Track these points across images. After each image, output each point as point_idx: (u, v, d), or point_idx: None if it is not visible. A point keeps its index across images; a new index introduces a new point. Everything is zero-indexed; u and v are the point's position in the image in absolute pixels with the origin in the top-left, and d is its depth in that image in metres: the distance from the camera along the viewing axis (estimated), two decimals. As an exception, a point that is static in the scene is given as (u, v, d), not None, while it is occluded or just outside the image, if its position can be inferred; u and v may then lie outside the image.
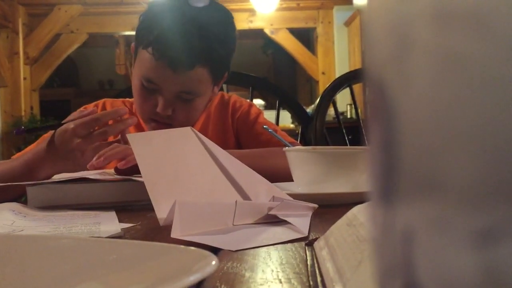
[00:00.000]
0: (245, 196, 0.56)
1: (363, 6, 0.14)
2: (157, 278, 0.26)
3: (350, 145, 1.37)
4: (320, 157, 0.73)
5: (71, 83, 7.43)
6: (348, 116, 4.62)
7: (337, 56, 5.39)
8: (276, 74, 7.34)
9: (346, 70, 4.51)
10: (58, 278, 0.29)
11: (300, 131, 1.48)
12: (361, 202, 0.38)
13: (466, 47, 0.11)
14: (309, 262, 0.35)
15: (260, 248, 0.41)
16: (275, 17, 5.31)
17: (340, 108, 2.78)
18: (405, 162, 0.12)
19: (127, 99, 1.22)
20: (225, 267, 0.34)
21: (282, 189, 0.63)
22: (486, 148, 0.11)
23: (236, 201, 0.50)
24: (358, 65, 4.72)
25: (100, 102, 1.19)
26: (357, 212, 0.35)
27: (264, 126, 0.94)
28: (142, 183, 0.53)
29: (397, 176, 0.13)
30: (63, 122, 0.89)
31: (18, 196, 0.84)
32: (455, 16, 0.11)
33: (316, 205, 0.59)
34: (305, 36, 5.85)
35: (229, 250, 0.39)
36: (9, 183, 0.74)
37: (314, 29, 5.53)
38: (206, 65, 0.98)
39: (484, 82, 0.11)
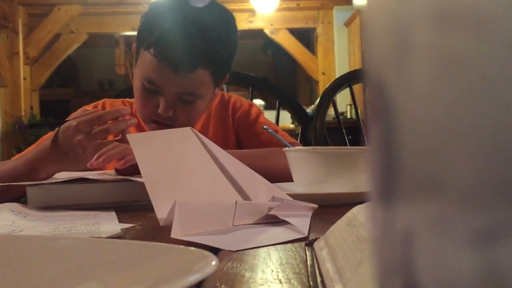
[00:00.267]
0: (245, 196, 0.56)
1: (363, 6, 0.14)
2: (157, 278, 0.26)
3: (350, 145, 1.37)
4: (320, 157, 0.73)
5: (71, 83, 7.43)
6: (348, 116, 4.62)
7: (337, 56, 5.39)
8: (276, 74, 7.34)
9: (346, 70, 4.52)
10: (58, 278, 0.29)
11: (300, 131, 1.48)
12: (361, 202, 0.38)
13: (466, 47, 0.11)
14: (309, 262, 0.35)
15: (260, 248, 0.41)
16: (275, 17, 5.31)
17: (340, 108, 2.78)
18: (405, 162, 0.12)
19: (127, 99, 1.22)
20: (225, 267, 0.34)
21: (282, 189, 0.63)
22: (486, 148, 0.11)
23: (236, 201, 0.50)
24: (358, 65, 4.72)
25: (100, 102, 1.19)
26: (357, 212, 0.35)
27: (264, 127, 0.94)
28: (142, 183, 0.53)
29: (397, 176, 0.13)
30: (66, 120, 0.89)
31: (19, 196, 0.84)
32: (455, 16, 0.11)
33: (316, 205, 0.59)
34: (305, 36, 5.85)
35: (229, 250, 0.39)
36: (10, 183, 0.74)
37: (314, 29, 5.53)
38: (207, 67, 0.98)
39: (484, 82, 0.11)
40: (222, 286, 0.30)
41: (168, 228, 0.45)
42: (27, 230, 0.51)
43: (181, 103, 1.01)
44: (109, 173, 0.83)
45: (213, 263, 0.26)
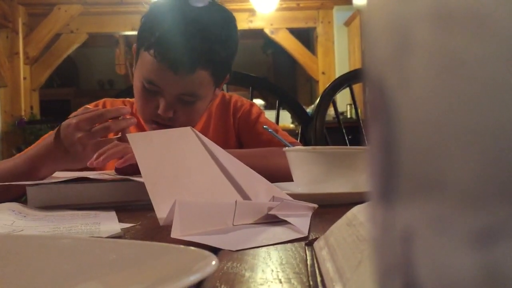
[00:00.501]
0: (245, 196, 0.56)
1: (363, 6, 0.14)
2: (157, 278, 0.26)
3: (350, 145, 1.37)
4: (320, 157, 0.73)
5: (71, 83, 7.42)
6: (348, 116, 4.62)
7: (337, 56, 5.39)
8: (276, 74, 7.34)
9: (346, 70, 4.52)
10: (58, 278, 0.29)
11: (300, 131, 1.48)
12: (361, 202, 0.38)
13: (466, 47, 0.11)
14: (309, 262, 0.35)
15: (260, 248, 0.41)
16: (275, 17, 5.31)
17: (340, 108, 2.78)
18: (405, 162, 0.12)
19: (127, 99, 1.22)
20: (225, 267, 0.34)
21: (282, 189, 0.63)
22: (486, 148, 0.11)
23: (236, 201, 0.50)
24: (358, 65, 4.72)
25: (101, 102, 1.19)
26: (357, 212, 0.35)
27: (264, 126, 0.94)
28: (142, 183, 0.53)
29: (397, 176, 0.13)
30: (67, 117, 0.89)
31: (20, 195, 0.84)
32: (455, 16, 0.11)
33: (316, 205, 0.59)
34: (305, 36, 5.85)
35: (229, 250, 0.39)
36: (10, 183, 0.74)
37: (314, 29, 5.53)
38: (207, 68, 0.98)
39: (484, 82, 0.11)
40: (222, 286, 0.30)
41: (168, 227, 0.45)
42: (27, 230, 0.51)
43: (181, 104, 1.01)
44: (109, 173, 0.83)
45: (213, 263, 0.26)
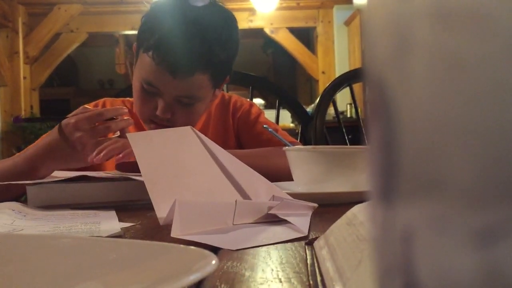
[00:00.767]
0: (245, 196, 0.56)
1: (363, 6, 0.14)
2: (157, 277, 0.26)
3: (350, 145, 1.37)
4: (320, 157, 0.73)
5: (71, 83, 7.42)
6: (348, 116, 4.62)
7: (337, 55, 5.39)
8: (276, 73, 7.34)
9: (346, 69, 4.51)
10: (58, 278, 0.29)
11: (300, 131, 1.48)
12: (361, 202, 0.38)
13: (466, 47, 0.11)
14: (309, 262, 0.35)
15: (260, 247, 0.41)
16: (275, 17, 5.31)
17: (340, 108, 2.78)
18: (405, 162, 0.12)
19: (127, 98, 1.22)
20: (225, 267, 0.34)
21: (282, 188, 0.63)
22: (486, 148, 0.11)
23: (236, 201, 0.50)
24: (358, 65, 4.72)
25: (100, 101, 1.19)
26: (357, 212, 0.35)
27: (264, 126, 0.94)
28: (142, 182, 0.53)
29: (397, 176, 0.13)
30: (66, 116, 0.89)
31: (20, 195, 0.84)
32: (455, 16, 0.11)
33: (316, 205, 0.59)
34: (305, 36, 5.85)
35: (229, 250, 0.39)
36: (10, 183, 0.74)
37: (314, 28, 5.53)
38: (206, 71, 0.98)
39: (484, 82, 0.11)
40: (222, 285, 0.30)
41: (168, 227, 0.45)
42: (27, 229, 0.51)
43: (180, 106, 1.01)
44: (109, 172, 0.83)
45: (213, 262, 0.26)
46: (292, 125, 4.48)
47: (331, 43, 5.41)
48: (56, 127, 0.88)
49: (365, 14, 0.14)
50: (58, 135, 0.87)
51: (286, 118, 4.21)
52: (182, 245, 0.31)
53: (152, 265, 0.29)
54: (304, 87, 7.07)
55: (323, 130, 1.42)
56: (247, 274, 0.32)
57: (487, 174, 0.11)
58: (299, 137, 1.46)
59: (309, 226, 0.49)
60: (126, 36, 6.06)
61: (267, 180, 0.61)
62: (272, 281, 0.30)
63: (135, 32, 1.06)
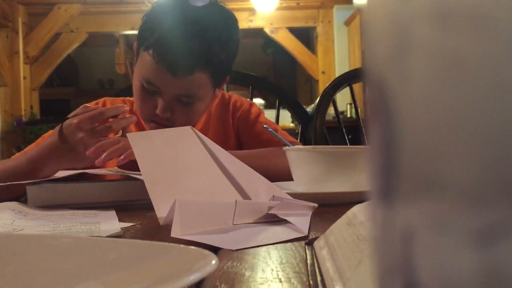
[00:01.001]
0: (245, 196, 0.56)
1: (363, 6, 0.14)
2: (157, 277, 0.26)
3: (350, 145, 1.37)
4: (320, 157, 0.73)
5: (71, 83, 7.42)
6: (348, 116, 4.62)
7: (337, 55, 5.39)
8: (276, 73, 7.34)
9: (346, 69, 4.51)
10: (58, 278, 0.29)
11: (300, 131, 1.48)
12: (361, 202, 0.38)
13: (466, 47, 0.11)
14: (309, 262, 0.35)
15: (260, 247, 0.41)
16: (275, 17, 5.30)
17: (340, 108, 2.78)
18: (405, 162, 0.12)
19: (128, 98, 1.22)
20: (225, 267, 0.34)
21: (282, 188, 0.63)
22: (486, 147, 0.11)
23: (236, 201, 0.50)
24: (358, 65, 4.72)
25: (101, 101, 1.19)
26: (357, 212, 0.35)
27: (264, 126, 0.94)
28: (142, 182, 0.53)
29: (397, 176, 0.13)
30: (67, 117, 0.89)
31: (20, 195, 0.84)
32: (455, 16, 0.11)
33: (316, 204, 0.59)
34: (305, 36, 5.84)
35: (229, 250, 0.39)
36: (10, 183, 0.74)
37: (314, 28, 5.53)
38: (206, 70, 0.98)
39: (484, 82, 0.11)
40: (222, 285, 0.30)
41: (168, 227, 0.45)
42: (27, 229, 0.51)
43: (180, 105, 1.01)
44: (110, 170, 0.83)
45: (213, 262, 0.26)
46: (292, 125, 4.48)
47: (331, 43, 5.41)
48: (58, 127, 0.88)
49: (365, 14, 0.14)
50: (62, 135, 0.87)
51: (286, 118, 4.20)
52: (182, 245, 0.31)
53: (152, 265, 0.29)
54: (304, 87, 7.07)
55: (323, 130, 1.42)
56: (247, 274, 0.32)
57: (487, 174, 0.11)
58: (299, 137, 1.46)
59: (309, 226, 0.49)
60: (126, 36, 6.06)
61: (267, 180, 0.61)
62: (272, 281, 0.30)
63: (135, 32, 1.06)
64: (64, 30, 5.32)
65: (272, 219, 0.52)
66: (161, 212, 0.48)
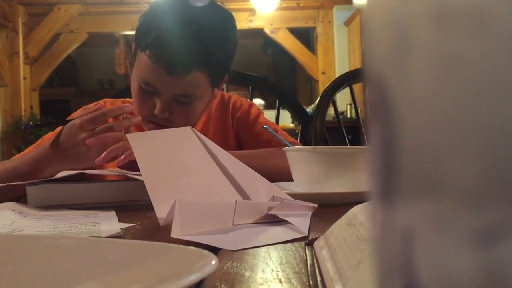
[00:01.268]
0: (245, 196, 0.56)
1: (363, 6, 0.14)
2: (157, 278, 0.26)
3: (350, 145, 1.37)
4: (320, 157, 0.73)
5: (71, 83, 7.43)
6: (348, 116, 4.62)
7: (337, 55, 5.39)
8: (276, 73, 7.34)
9: (346, 69, 4.51)
10: (58, 278, 0.29)
11: (300, 131, 1.48)
12: (361, 202, 0.38)
13: (466, 47, 0.11)
14: (309, 262, 0.35)
15: (260, 247, 0.41)
16: (275, 17, 5.31)
17: (340, 108, 2.78)
18: (405, 162, 0.12)
19: (127, 99, 1.22)
20: (225, 267, 0.34)
21: (282, 188, 0.63)
22: (487, 147, 0.11)
23: (236, 201, 0.50)
24: (358, 65, 4.72)
25: (101, 102, 1.19)
26: (357, 212, 0.35)
27: (264, 126, 0.94)
28: (142, 183, 0.53)
29: (397, 176, 0.13)
30: (68, 118, 0.89)
31: (21, 195, 0.84)
32: (455, 16, 0.11)
33: (316, 205, 0.59)
34: (305, 36, 5.85)
35: (229, 250, 0.39)
36: (10, 183, 0.74)
37: (314, 28, 5.53)
38: (203, 69, 0.98)
39: (484, 82, 0.11)
40: (222, 286, 0.30)
41: (168, 227, 0.45)
42: (27, 229, 0.51)
43: (178, 105, 1.00)
44: (112, 170, 0.83)
45: (213, 262, 0.26)
46: (292, 125, 4.48)
47: (331, 43, 5.41)
48: (59, 129, 0.89)
49: (365, 14, 0.14)
50: (63, 137, 0.87)
51: (286, 119, 4.20)
52: (182, 246, 0.31)
53: (152, 265, 0.29)
54: (304, 88, 7.07)
55: (323, 131, 1.42)
56: (247, 274, 0.32)
57: (487, 174, 0.11)
58: (299, 138, 1.46)
59: (309, 227, 0.49)
60: (126, 36, 6.06)
61: (267, 181, 0.61)
62: (272, 282, 0.30)
63: (135, 32, 1.06)
64: (64, 31, 5.32)
65: (272, 220, 0.52)
66: (161, 212, 0.48)
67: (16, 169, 0.89)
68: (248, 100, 1.29)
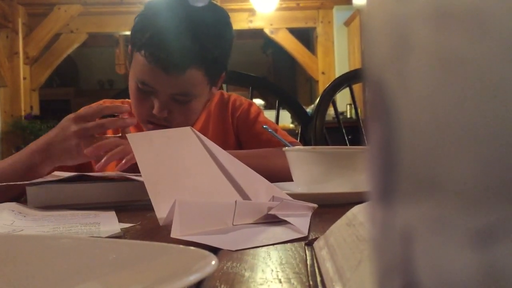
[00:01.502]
0: (245, 196, 0.56)
1: (363, 6, 0.14)
2: (157, 278, 0.26)
3: (350, 145, 1.37)
4: (320, 157, 0.73)
5: (71, 83, 7.43)
6: (348, 116, 4.62)
7: (337, 56, 5.39)
8: (276, 74, 7.34)
9: (346, 70, 4.51)
10: (58, 278, 0.29)
11: (299, 131, 1.48)
12: (361, 202, 0.38)
13: (466, 47, 0.11)
14: (308, 262, 0.35)
15: (260, 248, 0.41)
16: (275, 17, 5.31)
17: (340, 108, 2.78)
18: (405, 162, 0.12)
19: (127, 99, 1.22)
20: (225, 267, 0.34)
21: (282, 189, 0.63)
22: (486, 148, 0.11)
23: (235, 201, 0.50)
24: (357, 65, 4.72)
25: (100, 102, 1.19)
26: (357, 212, 0.35)
27: (264, 126, 0.94)
28: (142, 183, 0.53)
29: (397, 176, 0.13)
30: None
31: (21, 194, 0.84)
32: (454, 16, 0.11)
33: (315, 205, 0.59)
34: (305, 36, 5.85)
35: (229, 250, 0.39)
36: (10, 183, 0.74)
37: (314, 29, 5.53)
38: (200, 67, 0.98)
39: (483, 82, 0.11)
40: (222, 286, 0.30)
41: (168, 227, 0.45)
42: (27, 229, 0.51)
43: (176, 104, 1.00)
44: (110, 173, 0.83)
45: (213, 262, 0.26)
46: (292, 125, 4.48)
47: (331, 44, 5.41)
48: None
49: (364, 14, 0.14)
50: (56, 131, 0.87)
51: (286, 119, 4.20)
52: (181, 246, 0.31)
53: (152, 266, 0.29)
54: (304, 88, 7.07)
55: (322, 131, 1.42)
56: (246, 274, 0.32)
57: (486, 174, 0.11)
58: (298, 138, 1.46)
59: (309, 227, 0.49)
60: (126, 36, 6.05)
61: (267, 181, 0.61)
62: (272, 282, 0.30)
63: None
64: (64, 31, 5.32)
65: (272, 220, 0.52)
66: (161, 212, 0.48)
67: (13, 166, 0.89)
68: (248, 99, 1.29)
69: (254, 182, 0.59)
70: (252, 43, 6.70)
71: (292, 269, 0.34)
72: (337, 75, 3.34)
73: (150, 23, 0.97)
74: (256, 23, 5.33)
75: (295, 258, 0.37)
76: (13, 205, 0.66)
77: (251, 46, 6.75)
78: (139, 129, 1.10)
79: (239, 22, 5.08)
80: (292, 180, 0.77)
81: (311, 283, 0.30)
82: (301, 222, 0.50)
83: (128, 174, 0.76)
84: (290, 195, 0.61)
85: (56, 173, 0.87)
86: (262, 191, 0.59)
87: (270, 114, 1.35)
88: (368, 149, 0.14)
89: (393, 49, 0.13)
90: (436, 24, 0.11)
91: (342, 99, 4.44)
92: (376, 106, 0.14)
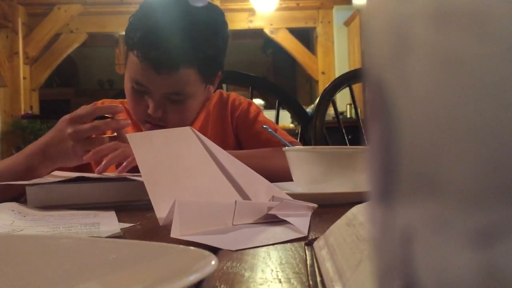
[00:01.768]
0: (245, 196, 0.56)
1: (362, 6, 0.14)
2: (157, 278, 0.26)
3: (349, 145, 1.37)
4: (320, 157, 0.73)
5: (71, 83, 7.43)
6: (348, 116, 4.62)
7: (336, 56, 5.39)
8: (275, 74, 7.34)
9: (345, 70, 4.52)
10: (58, 278, 0.29)
11: (299, 131, 1.48)
12: (361, 202, 0.38)
13: (466, 47, 0.11)
14: (308, 262, 0.35)
15: (260, 248, 0.41)
16: (274, 17, 5.31)
17: (340, 108, 2.78)
18: (405, 162, 0.12)
19: (126, 100, 1.22)
20: (225, 267, 0.34)
21: (281, 188, 0.63)
22: (486, 148, 0.11)
23: (235, 201, 0.50)
24: (357, 65, 4.72)
25: (99, 102, 1.19)
26: (357, 212, 0.35)
27: (264, 126, 0.94)
28: (142, 183, 0.53)
29: (397, 176, 0.13)
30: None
31: (21, 194, 0.84)
32: (454, 16, 0.11)
33: (315, 205, 0.59)
34: (305, 36, 5.85)
35: (229, 250, 0.39)
36: (10, 183, 0.74)
37: (313, 29, 5.53)
38: (192, 66, 0.97)
39: (484, 82, 0.11)
40: (222, 286, 0.30)
41: (167, 227, 0.45)
42: (27, 229, 0.51)
43: (171, 103, 1.00)
44: (109, 174, 0.83)
45: (213, 262, 0.26)
46: (292, 125, 4.48)
47: (331, 44, 5.41)
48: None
49: (364, 14, 0.14)
50: (52, 132, 0.88)
51: (286, 119, 4.21)
52: (181, 246, 0.31)
53: (152, 265, 0.29)
54: (303, 88, 7.07)
55: (322, 131, 1.42)
56: (246, 274, 0.32)
57: (486, 174, 0.11)
58: (298, 138, 1.46)
59: (309, 227, 0.49)
60: (126, 36, 6.05)
61: (267, 181, 0.61)
62: (271, 282, 0.30)
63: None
64: (64, 31, 5.32)
65: (272, 220, 0.52)
66: (160, 212, 0.48)
67: (12, 167, 0.89)
68: (247, 98, 1.29)
69: (254, 182, 0.59)
70: (252, 43, 6.70)
71: (292, 269, 0.34)
72: (337, 75, 3.34)
73: (142, 22, 0.98)
74: (256, 23, 5.33)
75: (295, 258, 0.37)
76: (13, 205, 0.66)
77: (251, 46, 6.75)
78: (138, 129, 1.10)
79: (239, 22, 5.09)
80: (292, 180, 0.77)
81: (311, 283, 0.30)
82: (301, 222, 0.50)
83: (127, 174, 0.76)
84: (290, 195, 0.61)
85: (56, 173, 0.87)
86: (262, 191, 0.59)
87: (270, 114, 1.35)
88: (368, 149, 0.14)
89: (393, 49, 0.13)
90: (436, 24, 0.11)
91: (342, 99, 4.44)
92: (376, 106, 0.14)
